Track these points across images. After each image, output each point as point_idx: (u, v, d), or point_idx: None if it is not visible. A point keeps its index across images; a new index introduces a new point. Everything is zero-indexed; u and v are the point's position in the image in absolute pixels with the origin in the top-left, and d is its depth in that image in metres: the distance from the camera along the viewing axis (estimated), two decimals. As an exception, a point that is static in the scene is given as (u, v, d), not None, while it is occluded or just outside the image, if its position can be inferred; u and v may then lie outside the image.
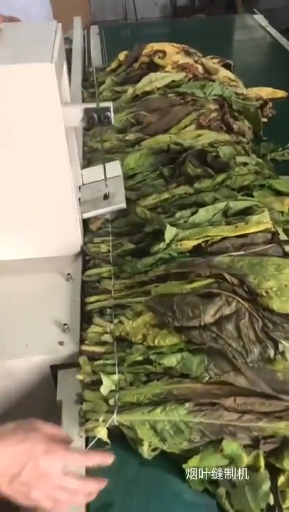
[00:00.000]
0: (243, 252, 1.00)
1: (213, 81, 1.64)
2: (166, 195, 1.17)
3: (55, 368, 0.94)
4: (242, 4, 4.64)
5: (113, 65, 1.83)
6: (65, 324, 0.97)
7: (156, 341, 0.86)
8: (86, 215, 1.18)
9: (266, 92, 1.81)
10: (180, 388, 0.78)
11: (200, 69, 1.70)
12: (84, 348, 0.91)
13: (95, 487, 0.69)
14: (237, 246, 1.01)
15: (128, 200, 1.19)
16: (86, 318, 0.99)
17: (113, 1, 4.46)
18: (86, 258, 1.11)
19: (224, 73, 1.72)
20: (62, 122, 0.95)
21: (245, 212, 1.10)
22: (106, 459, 0.70)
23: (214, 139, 1.40)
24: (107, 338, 0.92)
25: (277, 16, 3.15)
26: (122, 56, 1.83)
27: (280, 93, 1.81)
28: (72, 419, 0.83)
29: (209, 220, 1.10)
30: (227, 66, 1.90)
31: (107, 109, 1.03)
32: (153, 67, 1.77)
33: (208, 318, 0.84)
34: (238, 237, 1.03)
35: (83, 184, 1.27)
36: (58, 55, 0.94)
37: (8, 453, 0.63)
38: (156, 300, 0.90)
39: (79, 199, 1.19)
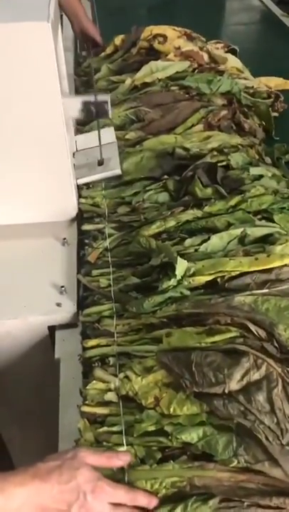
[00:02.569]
0: (267, 291, 0.87)
1: (221, 72, 1.48)
2: (172, 223, 1.02)
3: (52, 329, 0.95)
4: None
5: (108, 49, 1.65)
6: (62, 286, 0.98)
7: (171, 409, 0.73)
8: (81, 181, 1.18)
9: (276, 82, 1.66)
10: (203, 477, 0.66)
11: (206, 57, 1.53)
12: (84, 409, 0.78)
13: None
14: (259, 282, 0.88)
15: (128, 225, 1.06)
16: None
17: None
18: (84, 294, 0.97)
19: (232, 63, 1.55)
20: (58, 83, 0.93)
21: (266, 240, 0.97)
22: (151, 502, 0.66)
23: (225, 142, 1.25)
24: (111, 396, 0.79)
25: None
26: (118, 40, 1.64)
27: (292, 84, 1.65)
28: (69, 378, 0.84)
29: (224, 248, 0.97)
30: (232, 51, 1.74)
31: (105, 102, 1.06)
32: (153, 53, 1.59)
33: (234, 384, 0.71)
34: (260, 271, 0.90)
35: (77, 151, 1.25)
36: (54, 16, 0.91)
37: (56, 490, 0.63)
38: (171, 357, 0.77)
39: (73, 165, 1.17)
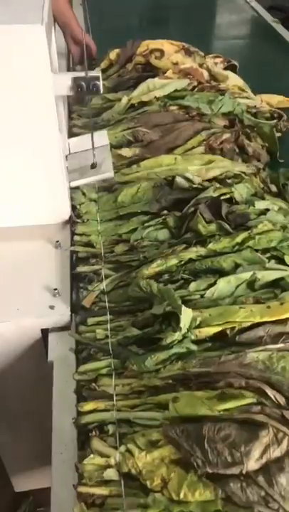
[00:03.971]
0: (282, 345, 0.78)
1: (222, 91, 1.39)
2: (173, 261, 0.93)
3: (45, 332, 0.94)
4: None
5: (103, 64, 1.55)
6: (55, 289, 0.97)
7: (181, 493, 0.64)
8: (74, 184, 1.16)
9: (277, 99, 1.57)
10: None
11: (206, 75, 1.44)
12: (81, 489, 0.69)
13: None
14: (273, 335, 0.80)
15: (126, 265, 0.98)
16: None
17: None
18: (79, 347, 0.88)
19: (233, 81, 1.46)
20: (52, 86, 0.92)
21: (277, 284, 0.89)
22: None
23: (228, 170, 1.16)
24: (111, 474, 0.70)
25: None
26: (113, 55, 1.55)
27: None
28: (63, 380, 0.84)
29: (231, 293, 0.89)
30: (231, 67, 1.66)
31: (96, 78, 1.02)
32: (149, 68, 1.50)
33: (253, 463, 0.62)
34: (273, 321, 0.81)
35: (70, 153, 1.23)
36: (48, 19, 0.90)
37: None
38: (179, 430, 0.68)
39: (66, 168, 1.16)
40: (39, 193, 1.03)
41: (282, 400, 0.69)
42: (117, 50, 1.56)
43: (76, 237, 1.07)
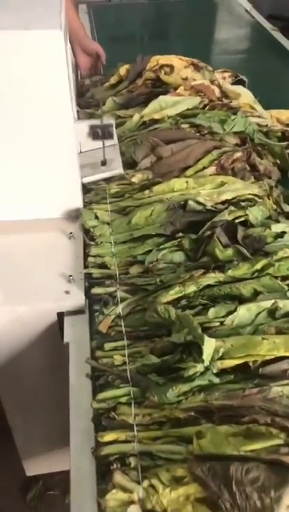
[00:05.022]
0: (306, 378, 0.78)
1: (233, 109, 1.39)
2: (192, 288, 0.92)
3: (61, 315, 1.00)
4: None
5: (112, 79, 1.54)
6: (70, 276, 1.02)
7: (208, 537, 0.63)
8: (86, 180, 1.23)
9: (287, 115, 1.57)
10: None
11: (217, 92, 1.44)
12: (104, 527, 0.68)
13: None
14: (297, 367, 0.79)
15: (142, 288, 0.97)
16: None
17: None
18: (95, 374, 0.86)
19: (244, 99, 1.46)
20: (68, 87, 0.99)
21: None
22: None
23: (240, 194, 1.15)
24: (135, 510, 0.68)
25: (261, 3, 3.01)
26: (122, 70, 1.54)
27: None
28: (78, 361, 0.88)
29: (252, 321, 0.88)
30: (240, 82, 1.66)
31: (110, 125, 1.24)
32: (159, 84, 1.50)
33: (284, 510, 0.61)
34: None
35: (81, 152, 1.29)
36: (64, 24, 0.97)
37: None
38: (206, 468, 0.66)
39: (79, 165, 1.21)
40: (54, 188, 1.12)
41: (309, 438, 0.69)
42: (126, 66, 1.56)
43: (90, 259, 1.05)
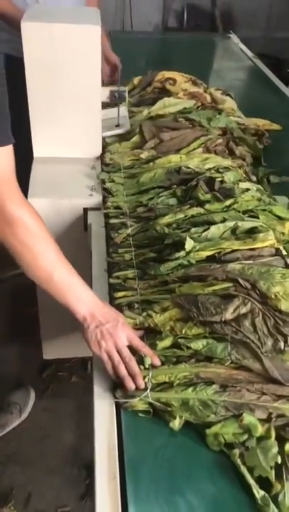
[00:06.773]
0: (251, 262, 1.17)
1: (219, 110, 1.83)
2: (180, 215, 1.33)
3: (86, 211, 1.55)
4: (223, 30, 4.95)
5: (128, 87, 2.00)
6: (93, 186, 1.61)
7: (183, 331, 1.02)
8: (104, 134, 1.75)
9: (263, 123, 2.01)
10: (206, 372, 0.94)
11: (208, 98, 1.89)
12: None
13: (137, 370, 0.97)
14: (246, 257, 1.19)
15: (145, 218, 1.38)
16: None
17: (113, 15, 4.73)
18: (112, 266, 1.26)
19: (229, 104, 1.91)
20: (99, 70, 1.55)
21: (252, 231, 1.28)
22: (155, 360, 0.99)
23: (219, 164, 1.58)
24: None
25: (253, 43, 3.50)
26: (136, 80, 2.01)
27: (275, 126, 2.01)
28: (98, 242, 1.38)
29: (220, 236, 1.27)
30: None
31: (124, 91, 1.83)
32: (164, 92, 1.95)
33: (228, 315, 1.00)
34: (247, 249, 1.20)
35: (102, 119, 1.73)
36: (100, 22, 1.50)
37: (105, 310, 1.04)
38: (183, 298, 1.06)
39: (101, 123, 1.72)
40: (84, 134, 1.68)
41: (248, 286, 1.07)
42: (139, 77, 2.02)
43: (108, 203, 1.47)
